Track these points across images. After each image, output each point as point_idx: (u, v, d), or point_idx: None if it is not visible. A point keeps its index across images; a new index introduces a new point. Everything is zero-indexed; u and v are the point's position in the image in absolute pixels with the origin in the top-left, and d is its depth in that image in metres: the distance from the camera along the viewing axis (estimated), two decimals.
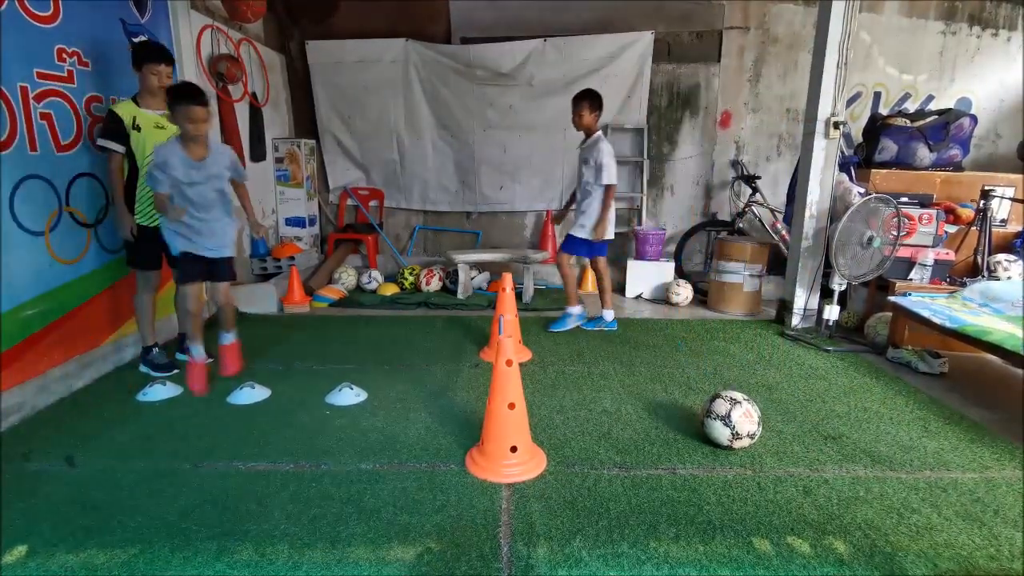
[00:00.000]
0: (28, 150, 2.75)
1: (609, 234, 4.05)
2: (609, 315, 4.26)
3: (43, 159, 2.84)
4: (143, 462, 2.34)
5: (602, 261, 4.19)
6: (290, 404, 2.91)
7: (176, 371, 3.26)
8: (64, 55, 2.97)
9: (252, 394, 2.96)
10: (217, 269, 3.07)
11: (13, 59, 2.67)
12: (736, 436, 2.37)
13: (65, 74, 2.97)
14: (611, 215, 4.03)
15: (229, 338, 3.26)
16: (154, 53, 3.03)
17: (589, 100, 3.92)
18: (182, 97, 2.76)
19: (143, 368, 3.31)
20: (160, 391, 2.98)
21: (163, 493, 2.12)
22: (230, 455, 2.40)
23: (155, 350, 3.28)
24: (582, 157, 4.05)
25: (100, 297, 3.22)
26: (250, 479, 2.22)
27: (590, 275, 5.72)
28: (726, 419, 2.38)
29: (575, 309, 4.25)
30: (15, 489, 2.14)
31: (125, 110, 2.98)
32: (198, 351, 3.06)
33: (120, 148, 2.98)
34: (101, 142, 2.99)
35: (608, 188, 3.92)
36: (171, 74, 3.10)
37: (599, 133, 3.98)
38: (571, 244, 4.13)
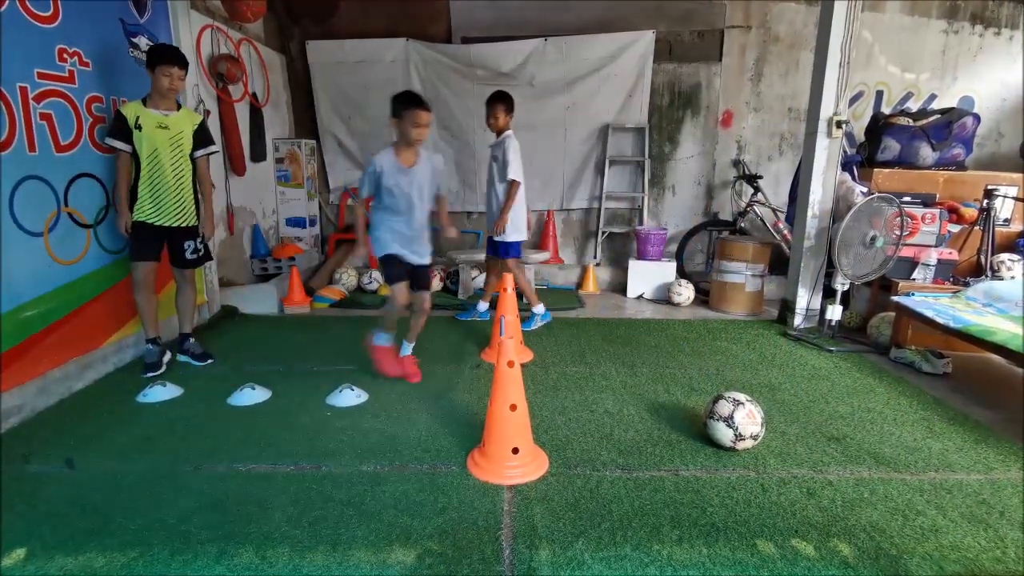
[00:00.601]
0: (27, 150, 2.73)
1: (516, 236, 4.10)
2: (483, 306, 4.47)
3: (42, 159, 2.82)
4: (143, 464, 2.33)
5: (510, 262, 4.15)
6: (291, 405, 2.90)
7: (162, 371, 3.24)
8: (65, 55, 2.95)
9: (252, 395, 2.95)
10: (420, 276, 3.16)
11: (13, 59, 2.65)
12: (739, 437, 2.36)
13: (66, 74, 2.96)
14: (520, 214, 4.09)
15: (410, 348, 3.33)
16: (168, 56, 3.04)
17: (504, 103, 3.98)
18: (409, 102, 2.83)
19: (181, 358, 3.43)
20: (160, 392, 2.96)
21: (163, 495, 2.10)
22: (230, 457, 2.39)
23: (151, 345, 3.26)
24: (492, 156, 4.10)
25: (100, 298, 3.20)
26: (250, 481, 2.21)
27: (590, 275, 5.71)
28: (729, 420, 2.36)
29: (539, 308, 4.32)
30: (15, 491, 2.12)
31: (131, 110, 3.02)
32: (386, 338, 3.19)
33: (127, 147, 3.03)
34: (108, 141, 3.04)
35: (512, 184, 3.96)
36: (183, 77, 3.11)
37: (510, 132, 4.03)
38: (505, 248, 4.14)
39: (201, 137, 3.29)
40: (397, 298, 3.05)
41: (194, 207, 3.31)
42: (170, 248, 3.29)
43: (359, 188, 3.02)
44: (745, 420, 2.35)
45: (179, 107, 3.21)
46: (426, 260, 3.16)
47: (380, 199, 3.00)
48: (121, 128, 3.00)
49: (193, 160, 3.28)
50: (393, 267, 3.05)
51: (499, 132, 4.05)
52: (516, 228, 4.10)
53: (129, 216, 3.10)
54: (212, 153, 3.39)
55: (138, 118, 3.02)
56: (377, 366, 3.21)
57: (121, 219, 3.10)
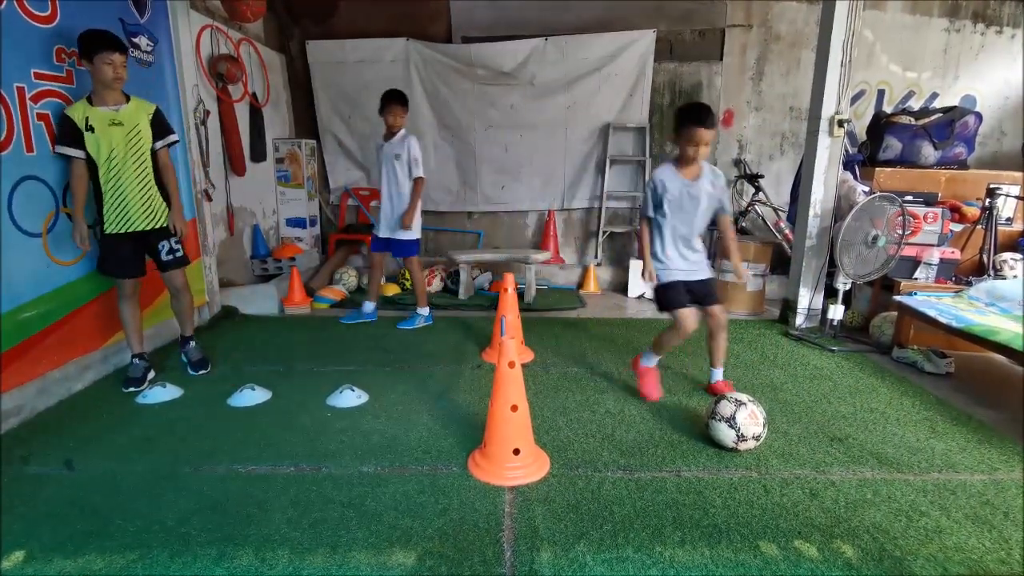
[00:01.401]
0: (24, 151, 2.72)
1: (417, 234, 4.16)
2: (369, 307, 4.41)
3: (40, 160, 2.81)
4: (142, 465, 2.32)
5: (415, 260, 4.26)
6: (291, 406, 2.89)
7: (144, 387, 3.05)
8: (63, 55, 2.94)
9: (252, 396, 2.94)
10: (707, 291, 2.92)
11: (11, 60, 2.65)
12: (741, 438, 2.35)
13: (64, 74, 2.95)
14: (419, 213, 4.14)
15: (721, 373, 3.07)
16: (105, 41, 2.76)
17: (404, 102, 4.01)
18: (686, 119, 2.71)
19: (184, 357, 3.34)
20: (160, 393, 2.96)
21: (162, 497, 2.10)
22: (230, 458, 2.38)
23: (135, 360, 3.14)
24: (392, 153, 4.03)
25: (99, 299, 3.19)
26: (250, 482, 2.20)
27: (591, 275, 5.70)
28: (731, 421, 2.35)
29: (424, 311, 4.35)
30: (14, 492, 2.12)
31: (77, 111, 2.79)
32: (656, 360, 3.04)
33: (80, 153, 2.80)
34: (59, 149, 2.80)
35: (419, 181, 4.02)
36: (125, 63, 2.84)
37: (405, 130, 4.05)
38: (410, 247, 4.17)
39: (159, 127, 3.03)
40: (685, 326, 2.82)
41: (165, 205, 3.09)
42: (149, 254, 3.12)
43: (642, 208, 2.96)
44: (747, 420, 2.34)
45: (128, 98, 2.94)
46: (708, 273, 2.95)
47: (657, 219, 2.88)
48: (70, 133, 2.77)
49: (154, 153, 3.02)
50: (676, 293, 2.86)
51: (395, 130, 4.03)
52: (417, 226, 4.14)
53: (86, 228, 2.87)
54: (173, 143, 3.13)
55: (87, 119, 2.78)
56: (641, 388, 3.01)
57: (77, 231, 2.85)
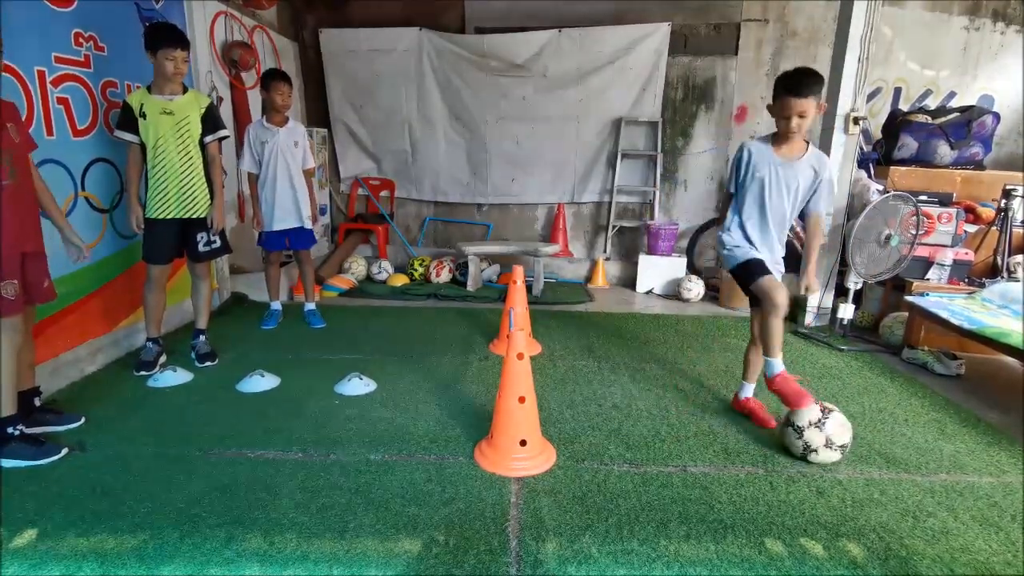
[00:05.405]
0: (45, 134, 2.74)
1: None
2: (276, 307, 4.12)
3: (59, 144, 2.84)
4: (153, 448, 2.35)
5: (311, 252, 4.20)
6: (299, 393, 2.91)
7: (155, 371, 3.09)
8: (81, 39, 2.96)
9: (262, 382, 2.96)
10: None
11: (31, 43, 2.66)
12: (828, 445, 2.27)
13: (82, 59, 2.97)
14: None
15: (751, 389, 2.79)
16: (170, 37, 2.85)
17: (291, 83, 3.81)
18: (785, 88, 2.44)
19: (192, 355, 3.30)
20: (170, 377, 2.98)
21: (173, 479, 2.12)
22: (239, 443, 2.40)
23: (149, 344, 3.17)
24: (291, 140, 3.81)
25: (114, 282, 3.23)
26: (259, 467, 2.22)
27: (600, 269, 5.70)
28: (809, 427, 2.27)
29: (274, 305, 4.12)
30: (26, 472, 2.15)
31: (136, 98, 2.90)
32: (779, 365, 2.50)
33: (134, 138, 2.91)
34: (116, 133, 2.94)
35: (312, 171, 4.02)
36: (187, 59, 2.95)
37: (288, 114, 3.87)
38: (313, 237, 4.08)
39: (210, 121, 3.09)
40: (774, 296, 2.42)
41: (208, 197, 3.14)
42: (185, 243, 3.15)
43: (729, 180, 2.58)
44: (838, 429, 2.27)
45: (186, 90, 3.02)
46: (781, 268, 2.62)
47: (739, 199, 2.56)
48: (127, 118, 2.89)
49: (203, 146, 3.09)
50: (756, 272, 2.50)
51: (285, 117, 3.82)
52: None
53: (140, 212, 2.99)
54: (223, 138, 3.19)
55: (142, 105, 2.88)
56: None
57: (132, 215, 2.98)
